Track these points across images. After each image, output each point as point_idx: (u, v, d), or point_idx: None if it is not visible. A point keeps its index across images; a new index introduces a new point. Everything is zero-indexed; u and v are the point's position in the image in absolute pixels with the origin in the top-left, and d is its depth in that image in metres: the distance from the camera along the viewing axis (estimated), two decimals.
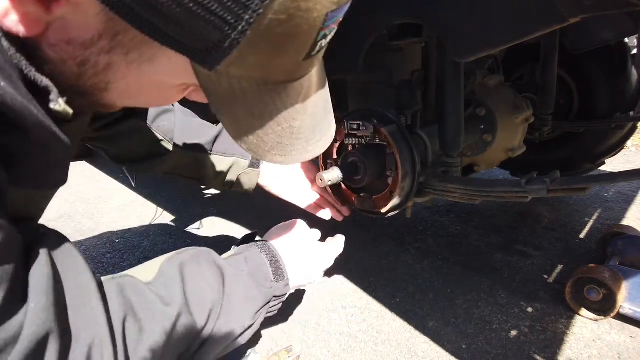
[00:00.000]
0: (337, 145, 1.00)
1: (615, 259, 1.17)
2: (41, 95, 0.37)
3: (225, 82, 0.36)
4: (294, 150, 0.45)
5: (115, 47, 0.35)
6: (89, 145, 0.85)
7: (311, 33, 0.35)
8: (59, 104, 0.39)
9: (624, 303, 1.02)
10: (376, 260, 1.39)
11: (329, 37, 0.39)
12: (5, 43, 0.34)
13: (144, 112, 0.87)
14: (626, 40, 1.43)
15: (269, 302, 0.60)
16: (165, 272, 0.52)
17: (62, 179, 0.47)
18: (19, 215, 0.43)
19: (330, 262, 0.79)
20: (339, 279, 1.30)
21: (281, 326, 1.11)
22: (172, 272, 0.52)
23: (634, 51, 1.49)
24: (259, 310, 0.58)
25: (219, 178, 0.93)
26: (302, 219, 0.85)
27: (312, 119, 0.46)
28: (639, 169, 0.71)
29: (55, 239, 0.43)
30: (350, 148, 0.96)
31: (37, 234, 0.42)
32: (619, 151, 1.57)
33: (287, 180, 0.98)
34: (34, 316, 0.34)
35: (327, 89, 0.50)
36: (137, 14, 0.30)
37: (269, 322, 1.13)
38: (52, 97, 0.38)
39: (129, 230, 1.74)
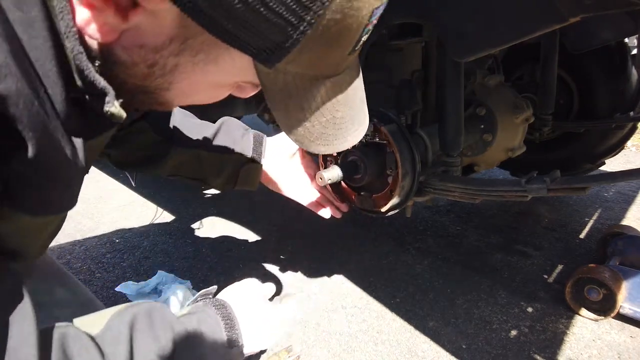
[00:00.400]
0: None
1: (615, 259, 1.17)
2: (98, 97, 0.39)
3: (281, 79, 0.39)
4: (335, 140, 0.48)
5: (185, 49, 0.38)
6: None
7: (359, 29, 0.38)
8: (114, 106, 0.40)
9: (624, 303, 1.02)
10: (376, 260, 1.39)
11: (370, 32, 0.42)
12: (77, 46, 0.36)
13: (152, 113, 0.86)
14: (626, 40, 1.43)
15: None
16: (113, 327, 0.48)
17: (70, 203, 0.47)
18: (9, 245, 0.42)
19: (280, 329, 0.75)
20: (339, 279, 1.30)
21: (281, 326, 1.11)
22: (120, 328, 0.48)
23: (634, 51, 1.49)
24: None
25: (221, 175, 0.93)
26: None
27: (351, 109, 0.48)
28: (638, 168, 0.71)
29: (8, 281, 0.41)
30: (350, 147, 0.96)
31: None
32: (619, 151, 1.57)
33: (289, 177, 0.98)
34: None
35: (361, 80, 0.53)
36: (211, 18, 0.33)
37: None
38: (108, 98, 0.39)
39: (129, 230, 1.74)
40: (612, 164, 2.11)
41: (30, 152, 0.35)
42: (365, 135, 0.92)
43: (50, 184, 0.41)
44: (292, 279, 1.31)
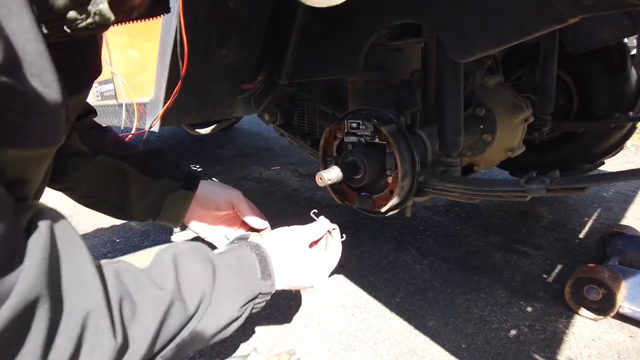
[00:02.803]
0: (336, 143, 1.00)
1: (614, 259, 1.17)
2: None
3: None
4: None
5: None
6: None
7: None
8: (104, 2, 0.40)
9: (624, 303, 1.03)
10: (376, 260, 1.39)
11: None
12: None
13: (83, 123, 0.81)
14: (625, 40, 1.44)
15: (255, 298, 0.61)
16: (159, 261, 0.53)
17: (55, 136, 0.45)
18: (14, 178, 0.42)
19: (323, 275, 0.77)
20: (339, 279, 1.30)
21: (282, 326, 1.11)
22: (165, 261, 0.53)
23: (634, 51, 1.50)
24: (245, 304, 0.59)
25: (144, 199, 0.84)
26: (303, 214, 0.82)
27: None
28: (638, 168, 0.71)
29: (55, 215, 0.43)
30: (350, 147, 0.97)
31: (38, 209, 0.42)
32: (618, 151, 1.57)
33: (213, 218, 0.89)
34: (26, 278, 0.34)
35: None
36: None
37: (270, 322, 1.13)
38: None
39: (130, 230, 1.74)
40: (611, 164, 2.12)
41: (7, 74, 0.35)
42: (365, 136, 0.92)
43: (44, 109, 0.40)
44: None
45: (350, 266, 1.36)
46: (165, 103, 1.03)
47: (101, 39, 0.66)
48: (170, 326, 0.48)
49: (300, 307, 1.18)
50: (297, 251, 0.73)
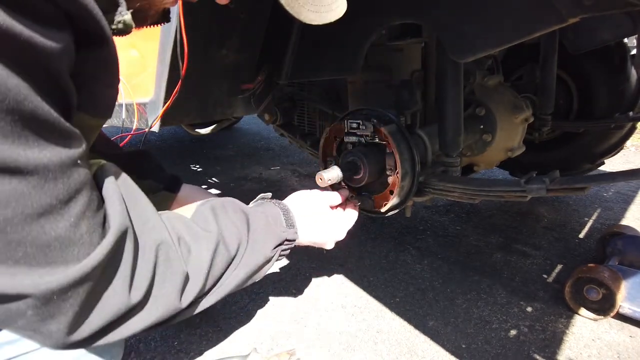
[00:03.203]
0: (336, 143, 1.00)
1: (614, 259, 1.17)
2: (110, 7, 0.43)
3: None
4: (322, 7, 0.52)
5: None
6: None
7: None
8: (127, 14, 0.45)
9: (624, 303, 1.03)
10: (376, 260, 1.39)
11: None
12: None
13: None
14: (625, 40, 1.44)
15: (281, 244, 0.68)
16: (199, 212, 0.60)
17: (111, 108, 0.52)
18: None
19: (342, 233, 0.85)
20: (339, 279, 1.30)
21: (281, 326, 1.11)
22: (205, 211, 0.60)
23: (633, 51, 1.50)
24: (275, 247, 0.65)
25: None
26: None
27: None
28: (638, 168, 0.71)
29: (115, 168, 0.49)
30: (350, 147, 0.97)
31: (100, 164, 0.48)
32: (618, 151, 1.57)
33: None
34: (115, 214, 0.42)
35: None
36: None
37: (270, 322, 1.13)
38: (120, 9, 0.44)
39: None
40: (611, 164, 2.12)
41: (108, 47, 0.42)
42: (365, 136, 0.92)
43: (115, 81, 0.48)
44: (291, 279, 1.32)
45: (350, 266, 1.36)
46: (165, 103, 1.03)
47: None
48: (218, 264, 0.54)
49: (300, 307, 1.18)
50: (317, 209, 0.81)
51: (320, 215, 0.81)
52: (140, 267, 0.44)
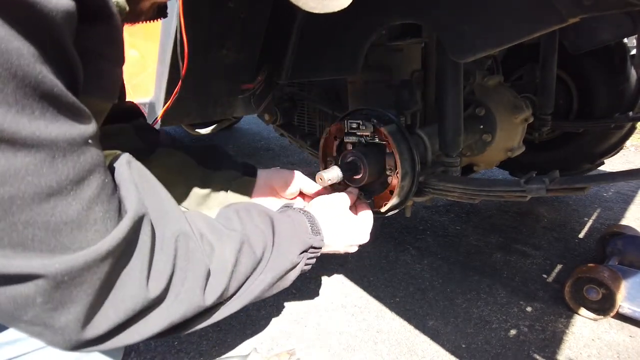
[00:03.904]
0: (336, 143, 1.00)
1: (614, 259, 1.17)
2: None
3: None
4: None
5: None
6: None
7: None
8: None
9: (623, 302, 1.03)
10: (376, 260, 1.39)
11: None
12: None
13: (134, 115, 0.81)
14: (625, 40, 1.44)
15: (307, 250, 0.65)
16: (223, 213, 0.59)
17: (117, 91, 0.49)
18: None
19: (365, 236, 0.82)
20: (339, 279, 1.30)
21: (281, 326, 1.11)
22: (229, 213, 0.58)
23: (633, 51, 1.50)
24: (302, 252, 0.62)
25: (210, 192, 0.84)
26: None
27: None
28: (638, 168, 0.71)
29: (129, 157, 0.46)
30: (350, 147, 0.97)
31: (115, 153, 0.46)
32: (618, 151, 1.57)
33: (275, 205, 0.88)
34: (132, 200, 0.40)
35: None
36: None
37: (270, 322, 1.13)
38: None
39: None
40: (611, 164, 2.12)
41: (114, 22, 0.40)
42: (365, 136, 0.92)
43: (121, 60, 0.46)
44: None
45: (350, 266, 1.36)
46: (165, 103, 1.03)
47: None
48: (243, 265, 0.51)
49: (300, 307, 1.18)
50: (340, 213, 0.78)
51: (344, 219, 0.78)
52: (158, 258, 0.42)
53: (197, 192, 0.83)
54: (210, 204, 0.85)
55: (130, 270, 0.39)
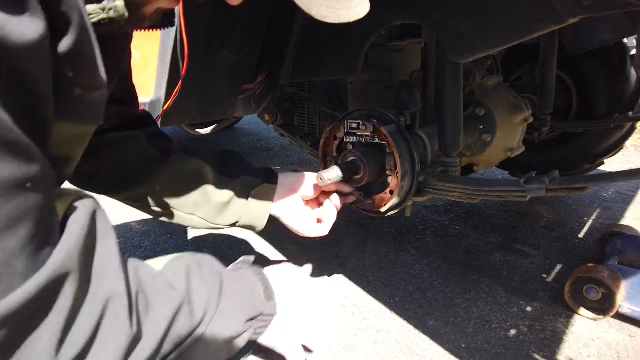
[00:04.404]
0: (336, 143, 1.00)
1: (614, 259, 1.17)
2: None
3: None
4: (338, 2, 0.45)
5: None
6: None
7: None
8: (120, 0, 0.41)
9: (623, 302, 1.03)
10: (376, 260, 1.39)
11: None
12: None
13: (146, 123, 0.80)
14: (625, 40, 1.44)
15: (257, 317, 0.60)
16: (171, 266, 0.55)
17: (100, 116, 0.47)
18: (62, 154, 0.44)
19: (313, 332, 0.71)
20: (339, 279, 1.30)
21: None
22: (178, 267, 0.54)
23: (633, 51, 1.50)
24: (249, 320, 0.58)
25: (229, 201, 0.81)
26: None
27: None
28: (637, 168, 0.72)
29: (94, 202, 0.44)
30: (350, 147, 0.97)
31: (79, 194, 0.43)
32: (618, 151, 1.57)
33: (297, 207, 0.89)
34: (59, 254, 0.35)
35: None
36: None
37: None
38: None
39: (130, 229, 1.74)
40: (611, 164, 2.12)
41: (72, 36, 0.36)
42: (365, 136, 0.93)
43: (96, 83, 0.43)
44: None
45: (350, 266, 1.36)
46: (165, 103, 1.03)
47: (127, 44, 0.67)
48: (178, 328, 0.48)
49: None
50: (300, 289, 0.71)
51: (302, 289, 0.70)
52: (80, 320, 0.37)
53: (216, 200, 0.81)
54: (230, 213, 0.83)
55: (39, 335, 0.34)
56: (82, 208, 0.40)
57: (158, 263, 0.55)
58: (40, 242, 0.34)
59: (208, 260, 0.59)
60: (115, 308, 0.40)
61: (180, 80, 0.95)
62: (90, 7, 0.43)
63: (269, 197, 0.85)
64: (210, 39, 1.02)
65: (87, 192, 0.45)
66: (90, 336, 0.37)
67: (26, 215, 0.32)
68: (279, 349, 0.64)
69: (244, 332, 0.57)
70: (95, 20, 0.43)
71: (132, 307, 0.42)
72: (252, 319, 0.58)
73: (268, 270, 0.68)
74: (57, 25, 0.34)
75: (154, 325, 0.45)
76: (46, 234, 0.35)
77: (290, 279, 0.70)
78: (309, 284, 0.73)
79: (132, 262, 0.49)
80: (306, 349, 0.68)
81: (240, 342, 0.57)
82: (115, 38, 0.59)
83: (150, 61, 1.06)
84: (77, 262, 0.37)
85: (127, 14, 0.44)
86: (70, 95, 0.39)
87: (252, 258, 0.72)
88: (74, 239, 0.37)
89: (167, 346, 0.47)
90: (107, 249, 0.42)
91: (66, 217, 0.39)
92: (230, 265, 0.69)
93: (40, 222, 0.34)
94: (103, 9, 0.42)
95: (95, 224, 0.41)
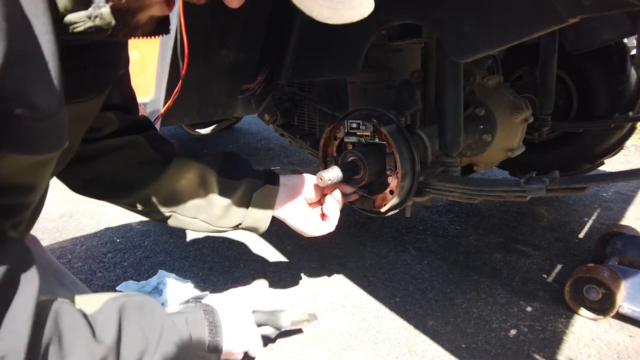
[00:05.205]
0: (336, 143, 1.00)
1: (614, 259, 1.17)
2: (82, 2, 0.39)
3: None
4: (339, 3, 0.44)
5: None
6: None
7: None
8: (106, 7, 0.40)
9: (623, 302, 1.03)
10: (376, 260, 1.39)
11: None
12: None
13: (145, 129, 0.79)
14: (625, 40, 1.44)
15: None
16: (105, 309, 0.50)
17: (60, 140, 0.44)
18: (19, 183, 0.41)
19: (255, 341, 0.76)
20: (339, 279, 1.30)
21: None
22: (111, 311, 0.50)
23: (633, 51, 1.50)
24: None
25: (230, 200, 0.80)
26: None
27: None
28: (638, 168, 0.71)
29: (19, 248, 0.42)
30: (350, 147, 0.97)
31: (3, 239, 0.41)
32: (618, 151, 1.57)
33: (301, 208, 0.88)
34: None
35: None
36: None
37: None
38: (97, 1, 0.40)
39: (130, 229, 1.74)
40: (611, 164, 2.12)
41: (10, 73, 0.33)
42: (365, 136, 0.93)
43: (35, 114, 0.39)
44: (292, 279, 1.32)
45: (350, 266, 1.36)
46: (165, 103, 1.03)
47: (122, 49, 0.66)
48: None
49: (300, 307, 1.18)
50: (244, 314, 0.73)
51: (244, 326, 0.72)
52: None
53: (218, 204, 0.80)
54: (232, 216, 0.82)
55: None
56: (3, 257, 0.39)
57: (95, 301, 0.51)
58: None
59: (150, 307, 0.54)
60: None
61: (180, 81, 0.95)
62: (76, 15, 0.41)
63: (271, 198, 0.85)
64: (210, 39, 1.02)
65: (14, 236, 0.42)
66: None
67: None
68: None
69: None
70: (81, 28, 0.42)
71: None
72: None
73: (220, 307, 0.68)
74: None
75: None
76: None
77: (235, 311, 0.70)
78: (250, 316, 0.75)
79: (57, 304, 0.45)
80: None
81: None
82: (107, 46, 0.58)
83: (149, 61, 1.06)
84: None
85: (113, 22, 0.43)
86: (12, 130, 0.37)
87: (206, 294, 0.72)
88: None
89: None
90: (22, 299, 0.40)
91: None
92: (180, 304, 0.68)
93: None
94: (89, 17, 0.41)
95: (14, 273, 0.39)
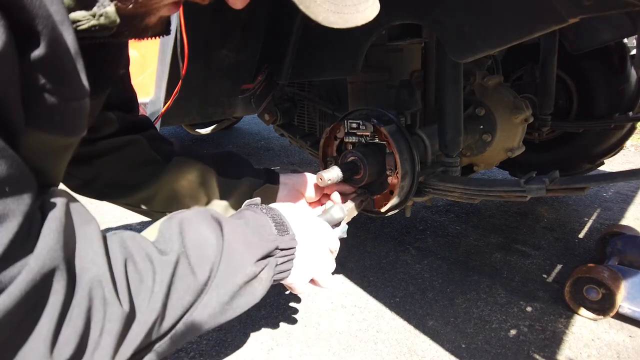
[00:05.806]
0: (336, 143, 1.00)
1: (614, 259, 1.17)
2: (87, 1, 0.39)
3: None
4: (344, 7, 0.44)
5: None
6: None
7: None
8: (110, 5, 0.40)
9: (623, 302, 1.03)
10: (376, 260, 1.39)
11: None
12: None
13: (145, 128, 0.79)
14: (625, 40, 1.44)
15: (272, 254, 0.56)
16: (164, 228, 0.51)
17: (82, 126, 0.46)
18: (38, 166, 0.42)
19: (331, 239, 0.69)
20: (339, 279, 1.30)
21: (282, 325, 1.11)
22: (171, 228, 0.51)
23: (633, 51, 1.50)
24: (260, 259, 0.54)
25: (229, 201, 0.80)
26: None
27: None
28: (638, 169, 0.71)
29: (66, 194, 0.43)
30: (350, 147, 0.97)
31: (50, 190, 0.42)
32: (618, 151, 1.57)
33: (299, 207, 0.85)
34: (42, 250, 0.35)
35: None
36: None
37: (270, 322, 1.13)
38: (101, 0, 0.40)
39: (130, 229, 1.74)
40: (611, 164, 2.12)
41: (42, 48, 0.35)
42: (365, 136, 0.93)
43: (76, 93, 0.41)
44: None
45: (350, 266, 1.36)
46: (165, 103, 1.03)
47: (122, 50, 0.66)
48: (179, 291, 0.46)
49: (301, 307, 1.18)
50: (311, 218, 0.68)
51: (316, 232, 0.66)
52: (71, 316, 0.36)
53: (218, 203, 0.80)
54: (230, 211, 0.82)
55: (33, 339, 0.34)
56: (57, 202, 0.40)
57: (152, 230, 0.52)
58: (25, 236, 0.34)
59: (203, 211, 0.55)
60: (102, 293, 0.39)
61: (180, 81, 0.95)
62: (80, 14, 0.42)
63: (271, 197, 0.85)
64: (210, 39, 1.02)
65: (56, 188, 0.44)
66: (83, 330, 0.37)
67: (3, 218, 0.32)
68: (287, 280, 0.60)
69: (259, 272, 0.53)
70: (85, 26, 0.42)
71: (117, 287, 0.41)
72: (265, 257, 0.54)
73: (279, 206, 0.65)
74: (24, 34, 0.34)
75: (150, 295, 0.43)
76: (25, 234, 0.35)
77: (303, 214, 0.66)
78: (320, 220, 0.70)
79: (120, 235, 0.47)
80: (315, 284, 0.65)
81: (261, 285, 0.54)
82: (108, 46, 0.58)
83: (149, 61, 1.06)
84: (61, 257, 0.36)
85: (118, 20, 0.43)
86: (42, 104, 0.39)
87: (258, 200, 0.67)
88: (55, 234, 0.37)
89: (171, 313, 0.45)
90: (87, 237, 0.41)
91: (43, 214, 0.38)
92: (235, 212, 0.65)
93: (27, 215, 0.34)
94: (93, 15, 0.41)
95: (71, 215, 0.41)
